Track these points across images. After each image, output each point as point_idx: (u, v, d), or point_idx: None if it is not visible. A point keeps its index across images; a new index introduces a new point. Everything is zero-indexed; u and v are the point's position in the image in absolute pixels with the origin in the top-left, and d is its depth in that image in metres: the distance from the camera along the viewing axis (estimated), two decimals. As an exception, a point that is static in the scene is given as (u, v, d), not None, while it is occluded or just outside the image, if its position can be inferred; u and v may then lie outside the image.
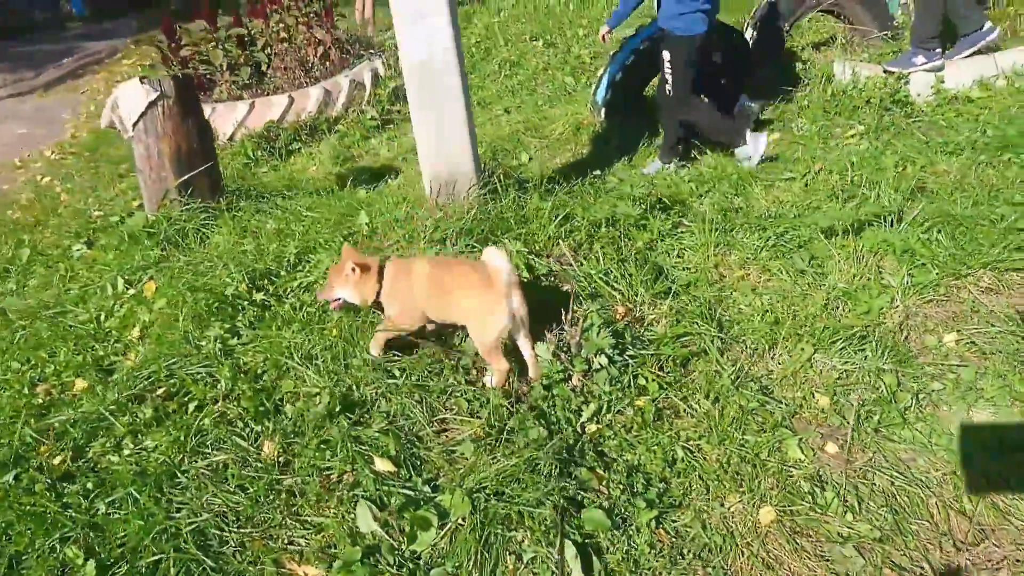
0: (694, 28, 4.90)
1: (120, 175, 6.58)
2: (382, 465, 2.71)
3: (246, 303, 3.45)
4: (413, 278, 2.98)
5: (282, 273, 3.65)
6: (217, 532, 2.55)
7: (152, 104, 4.31)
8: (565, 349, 3.09)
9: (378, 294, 3.02)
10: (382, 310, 3.12)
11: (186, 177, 4.44)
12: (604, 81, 6.19)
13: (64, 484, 2.80)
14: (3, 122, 9.75)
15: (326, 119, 7.07)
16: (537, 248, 3.71)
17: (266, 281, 3.61)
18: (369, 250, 3.67)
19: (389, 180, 5.34)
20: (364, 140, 6.82)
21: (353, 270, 2.96)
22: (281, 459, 2.81)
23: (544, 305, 3.31)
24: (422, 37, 3.75)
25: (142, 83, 4.30)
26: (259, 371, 3.15)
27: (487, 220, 3.80)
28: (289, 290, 3.55)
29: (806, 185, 4.44)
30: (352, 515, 2.58)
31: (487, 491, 2.58)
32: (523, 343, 3.00)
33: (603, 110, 6.21)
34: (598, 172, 5.11)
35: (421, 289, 2.97)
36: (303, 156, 6.69)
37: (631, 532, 2.51)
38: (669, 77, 5.09)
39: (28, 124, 9.60)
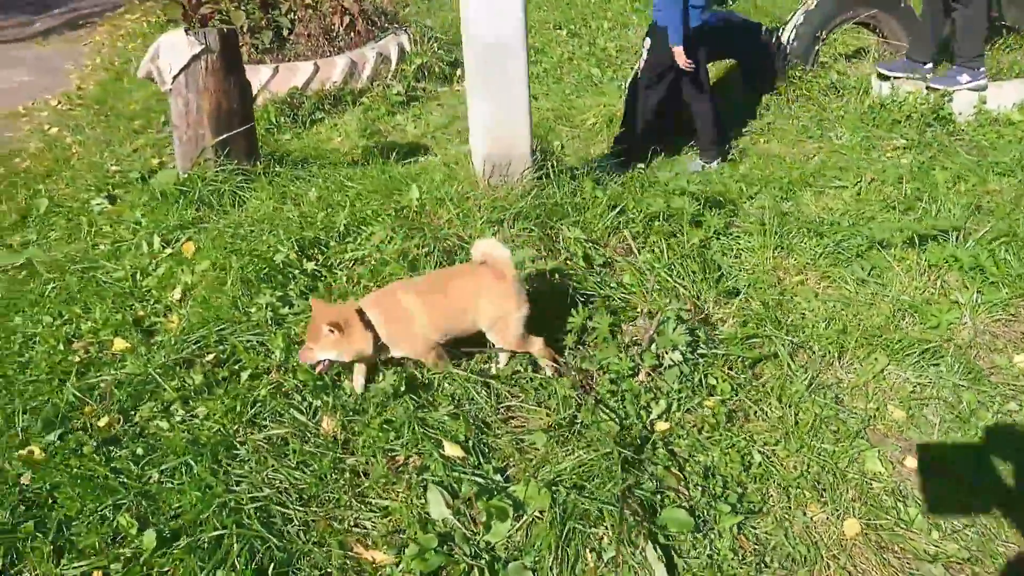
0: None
1: (135, 131, 6.35)
2: (451, 450, 2.60)
3: (297, 272, 3.31)
4: (407, 307, 2.71)
5: (331, 243, 3.50)
6: (280, 509, 2.42)
7: (195, 57, 4.13)
8: (636, 342, 3.00)
9: (376, 341, 2.69)
10: (386, 353, 2.79)
11: (224, 136, 4.27)
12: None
13: (111, 448, 2.65)
14: (3, 68, 9.40)
15: (350, 91, 6.89)
16: (594, 237, 3.61)
17: (315, 250, 3.47)
18: (419, 227, 3.53)
19: (429, 157, 5.20)
20: (390, 115, 6.66)
21: (331, 331, 2.59)
22: (341, 436, 2.68)
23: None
24: (492, 14, 3.62)
25: (187, 34, 4.11)
26: (313, 343, 3.01)
27: (544, 205, 3.69)
28: (340, 261, 3.41)
29: (858, 194, 4.39)
30: (421, 500, 2.47)
31: (566, 484, 2.48)
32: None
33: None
34: (641, 165, 5.02)
35: (425, 312, 2.71)
36: (326, 126, 6.51)
37: (712, 536, 2.43)
38: (643, 63, 5.37)
39: (29, 72, 9.26)
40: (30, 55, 10.05)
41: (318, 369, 2.75)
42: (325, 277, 3.32)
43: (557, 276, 3.35)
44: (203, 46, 4.12)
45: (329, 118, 6.65)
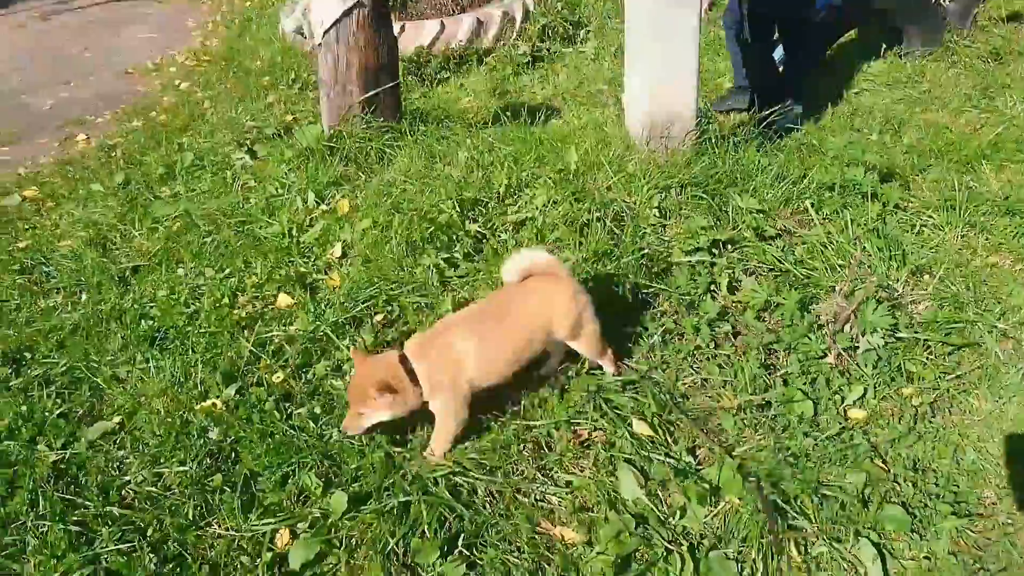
0: None
1: (264, 87, 6.36)
2: (639, 428, 2.47)
3: (460, 233, 3.20)
4: (462, 345, 2.37)
5: (491, 205, 3.39)
6: (464, 480, 2.34)
7: (348, 12, 4.04)
8: (824, 321, 2.78)
9: (422, 395, 2.35)
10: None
11: (372, 93, 4.19)
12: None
13: (287, 405, 2.62)
14: (126, 25, 9.62)
15: (476, 50, 6.73)
16: (764, 207, 3.39)
17: (475, 212, 3.36)
18: (582, 191, 3.38)
19: (564, 119, 5.00)
20: (516, 76, 6.48)
21: (381, 392, 2.25)
22: (520, 406, 2.58)
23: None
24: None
25: (340, -13, 4.03)
26: (483, 308, 2.91)
27: (711, 171, 3.49)
28: (502, 224, 3.29)
29: (1048, 170, 4.01)
30: (611, 478, 2.34)
31: (765, 471, 2.32)
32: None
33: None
34: (798, 132, 4.70)
35: (483, 347, 2.38)
36: (452, 86, 6.39)
37: (929, 537, 2.23)
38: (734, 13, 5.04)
39: (152, 30, 9.44)
40: (152, 13, 10.26)
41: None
42: (488, 239, 3.21)
43: (730, 247, 3.17)
44: (355, 0, 4.03)
45: (455, 78, 6.52)
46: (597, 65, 6.75)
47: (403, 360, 2.32)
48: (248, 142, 4.95)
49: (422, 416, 2.44)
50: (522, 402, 2.57)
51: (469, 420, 2.42)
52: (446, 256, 3.09)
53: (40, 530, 2.22)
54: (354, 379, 2.36)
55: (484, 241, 3.20)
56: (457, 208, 3.29)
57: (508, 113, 4.90)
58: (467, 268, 3.08)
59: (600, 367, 2.67)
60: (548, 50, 7.01)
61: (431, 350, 2.36)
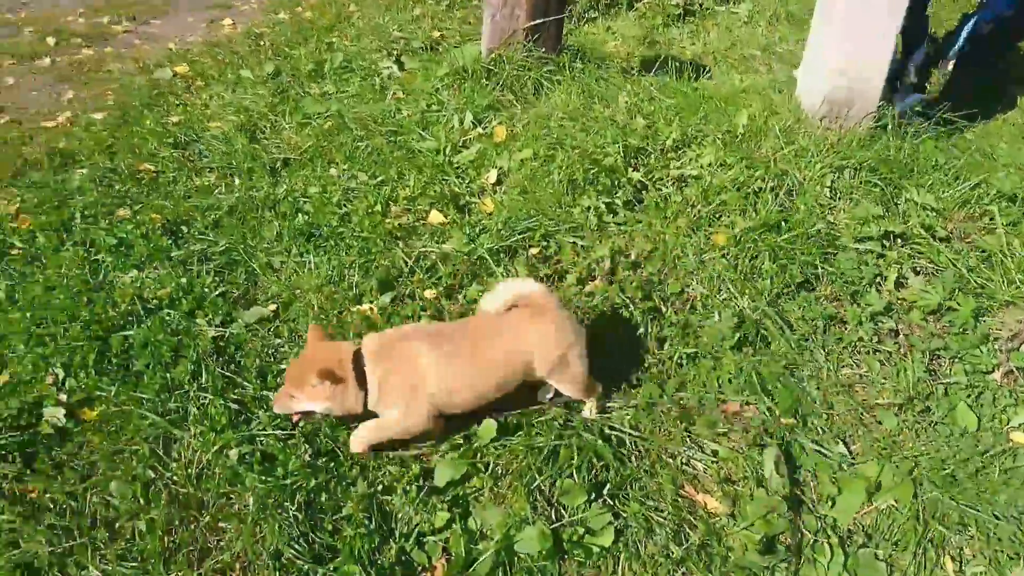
0: None
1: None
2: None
3: (624, 179, 3.12)
4: (422, 361, 2.11)
5: (655, 156, 3.28)
6: (614, 432, 2.30)
7: (529, -68, 3.91)
8: (1010, 337, 2.63)
9: (365, 403, 2.11)
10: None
11: (539, 22, 4.07)
12: (963, 34, 5.36)
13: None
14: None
15: (627, -7, 6.54)
16: (939, 207, 3.20)
17: (638, 160, 3.26)
18: (752, 157, 3.24)
19: (718, 79, 4.81)
20: (664, 27, 6.27)
21: (321, 380, 2.01)
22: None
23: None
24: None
25: (527, -94, 3.89)
26: (640, 258, 2.84)
27: (888, 159, 3.31)
28: (665, 177, 3.19)
29: None
30: (759, 456, 2.28)
31: (930, 478, 2.23)
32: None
33: (952, 63, 5.42)
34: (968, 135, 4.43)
35: (444, 370, 2.12)
36: (599, 27, 6.22)
37: (1094, 581, 2.12)
38: None
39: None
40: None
41: (295, 419, 2.17)
42: (649, 190, 3.12)
43: (899, 241, 3.02)
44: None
45: (603, 19, 6.34)
46: (750, 29, 6.47)
47: (356, 357, 2.09)
48: (396, 52, 4.91)
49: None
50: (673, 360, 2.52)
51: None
52: (607, 201, 3.01)
53: (201, 401, 2.28)
54: (299, 357, 2.14)
55: (644, 192, 3.11)
56: (622, 153, 3.19)
57: (660, 64, 4.72)
58: (626, 216, 3.01)
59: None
60: (701, 5, 6.75)
61: (393, 350, 2.13)
